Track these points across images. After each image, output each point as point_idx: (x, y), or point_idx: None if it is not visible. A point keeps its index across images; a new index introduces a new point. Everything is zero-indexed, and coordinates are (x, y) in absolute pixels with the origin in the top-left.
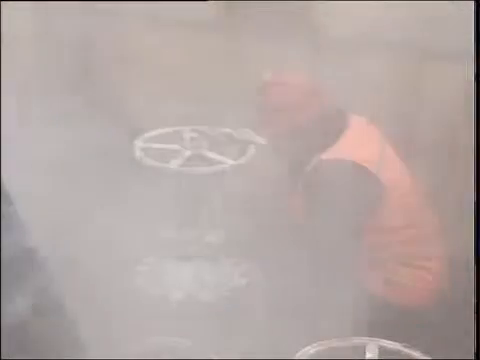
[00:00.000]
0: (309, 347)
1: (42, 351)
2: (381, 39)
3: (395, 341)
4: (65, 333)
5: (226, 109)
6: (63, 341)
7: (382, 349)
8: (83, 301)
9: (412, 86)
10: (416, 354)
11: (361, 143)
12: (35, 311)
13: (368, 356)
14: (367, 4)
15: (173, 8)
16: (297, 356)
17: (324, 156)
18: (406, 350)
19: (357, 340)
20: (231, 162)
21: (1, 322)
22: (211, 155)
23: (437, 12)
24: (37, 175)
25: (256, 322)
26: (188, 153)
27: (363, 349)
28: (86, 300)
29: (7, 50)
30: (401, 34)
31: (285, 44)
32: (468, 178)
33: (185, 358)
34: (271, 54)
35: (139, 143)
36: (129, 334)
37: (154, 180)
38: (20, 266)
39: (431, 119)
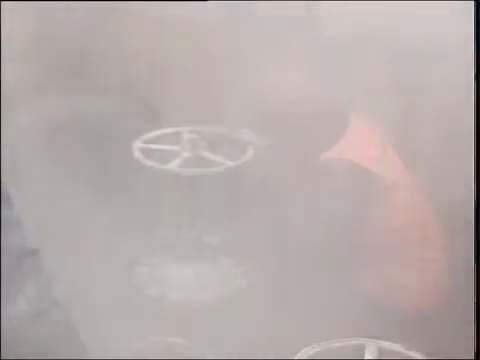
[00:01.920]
0: (308, 348)
1: (42, 351)
2: (382, 39)
3: (395, 342)
4: (65, 333)
5: (225, 109)
6: (63, 341)
7: (381, 350)
8: (83, 301)
9: (413, 86)
10: (416, 355)
11: (362, 143)
12: (35, 311)
13: (367, 357)
14: (367, 4)
15: (173, 8)
16: (296, 357)
17: (325, 156)
18: (406, 351)
19: (356, 341)
20: (230, 163)
21: (1, 322)
22: (210, 156)
23: (437, 12)
24: (37, 175)
25: (255, 323)
26: (187, 154)
27: (362, 350)
28: (86, 300)
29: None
30: (402, 34)
31: (285, 44)
32: (468, 178)
33: (184, 358)
34: (271, 54)
35: (138, 144)
36: (129, 334)
37: (153, 181)
38: (20, 267)
39: (432, 119)
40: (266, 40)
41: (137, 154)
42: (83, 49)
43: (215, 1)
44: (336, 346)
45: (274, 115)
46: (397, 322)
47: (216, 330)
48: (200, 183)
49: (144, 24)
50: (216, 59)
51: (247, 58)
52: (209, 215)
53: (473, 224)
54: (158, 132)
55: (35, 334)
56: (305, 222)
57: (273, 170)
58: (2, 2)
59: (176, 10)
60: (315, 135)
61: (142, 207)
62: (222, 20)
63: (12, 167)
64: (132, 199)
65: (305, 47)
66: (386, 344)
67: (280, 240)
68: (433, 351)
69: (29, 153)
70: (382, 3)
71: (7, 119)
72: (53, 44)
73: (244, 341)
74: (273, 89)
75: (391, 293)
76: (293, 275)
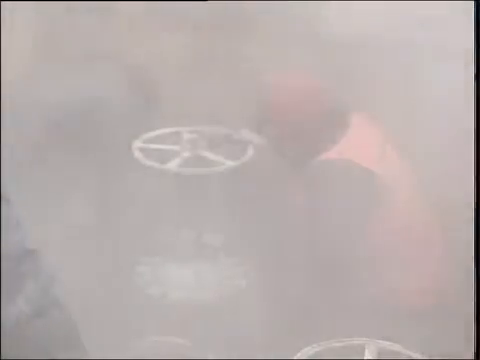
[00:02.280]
0: (308, 348)
1: (42, 351)
2: (380, 39)
3: (395, 342)
4: (65, 333)
5: (226, 109)
6: (63, 341)
7: (381, 350)
8: (83, 301)
9: (413, 85)
10: (416, 355)
11: (362, 143)
12: (35, 311)
13: (367, 357)
14: (367, 4)
15: (173, 8)
16: (296, 356)
17: (325, 156)
18: (406, 351)
19: (357, 341)
20: (230, 163)
21: (1, 322)
22: (210, 156)
23: (437, 12)
24: (36, 175)
25: (255, 323)
26: (187, 154)
27: (362, 350)
28: (86, 300)
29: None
30: (402, 34)
31: (285, 44)
32: (468, 178)
33: (184, 358)
34: (271, 54)
35: (138, 143)
36: (129, 334)
37: (153, 181)
38: (20, 267)
39: (432, 119)
40: (266, 40)
41: (137, 154)
42: (82, 49)
43: (215, 1)
44: (336, 346)
45: (274, 115)
46: (397, 322)
47: (216, 330)
48: (200, 183)
49: (144, 24)
50: (216, 59)
51: (247, 58)
52: (209, 215)
53: (473, 224)
54: (158, 132)
55: (35, 334)
56: (305, 222)
57: (273, 170)
58: (2, 2)
59: (176, 10)
60: (315, 135)
61: (142, 207)
62: (222, 20)
63: (12, 167)
64: (132, 199)
65: (305, 47)
66: (386, 344)
67: (280, 240)
68: (433, 351)
69: (29, 153)
70: (382, 3)
71: (7, 118)
72: (53, 44)
73: (244, 341)
74: (273, 89)
75: (391, 293)
76: (293, 275)
